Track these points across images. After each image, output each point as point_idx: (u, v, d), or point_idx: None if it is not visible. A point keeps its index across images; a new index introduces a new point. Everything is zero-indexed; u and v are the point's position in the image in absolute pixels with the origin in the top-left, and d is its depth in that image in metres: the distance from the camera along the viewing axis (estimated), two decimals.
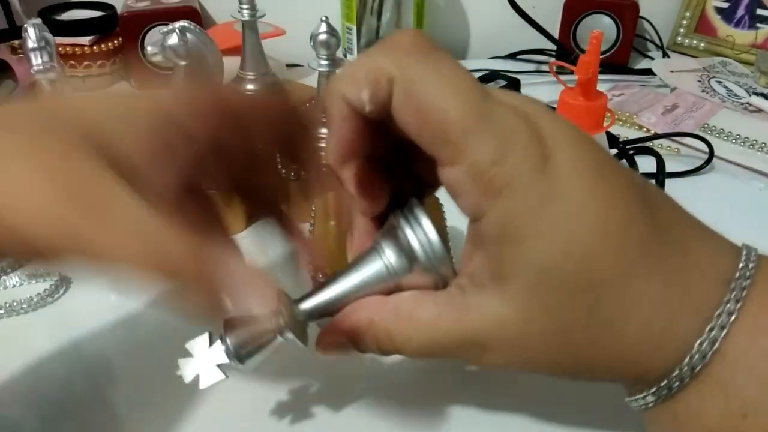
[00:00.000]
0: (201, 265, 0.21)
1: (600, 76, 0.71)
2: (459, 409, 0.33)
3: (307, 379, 0.35)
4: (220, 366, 0.25)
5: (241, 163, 0.29)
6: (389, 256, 0.26)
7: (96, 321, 0.38)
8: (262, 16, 0.54)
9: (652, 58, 0.78)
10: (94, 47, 0.67)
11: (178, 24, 0.43)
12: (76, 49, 0.66)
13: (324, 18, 0.44)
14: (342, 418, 0.32)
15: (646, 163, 0.48)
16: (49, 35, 0.44)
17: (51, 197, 0.21)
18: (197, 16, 0.65)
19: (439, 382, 0.34)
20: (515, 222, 0.22)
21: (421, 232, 0.25)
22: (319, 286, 0.27)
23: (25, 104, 0.25)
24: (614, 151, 0.50)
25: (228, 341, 0.25)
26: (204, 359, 0.25)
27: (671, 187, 0.49)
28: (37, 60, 0.43)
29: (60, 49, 0.64)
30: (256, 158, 0.29)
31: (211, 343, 0.25)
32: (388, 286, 0.26)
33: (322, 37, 0.43)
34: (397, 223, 0.26)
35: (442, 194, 0.41)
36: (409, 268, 0.26)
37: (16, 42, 0.67)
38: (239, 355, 0.25)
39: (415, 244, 0.25)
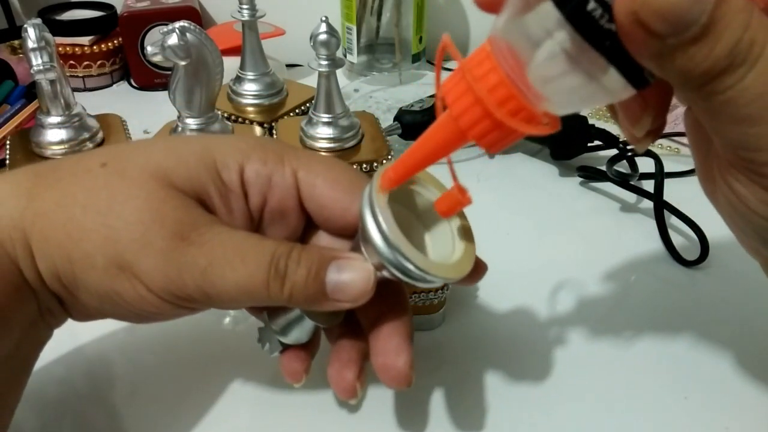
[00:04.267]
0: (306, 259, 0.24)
1: None
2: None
3: (306, 381, 0.35)
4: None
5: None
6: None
7: (96, 321, 0.38)
8: (262, 16, 0.54)
9: None
10: (94, 47, 0.67)
11: (178, 24, 0.43)
12: (76, 49, 0.66)
13: (324, 18, 0.44)
14: (342, 428, 0.32)
15: (647, 163, 0.48)
16: (49, 35, 0.43)
17: (167, 242, 0.23)
18: (197, 16, 0.65)
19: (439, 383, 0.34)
20: None
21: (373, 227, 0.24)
22: None
23: (135, 146, 0.27)
24: (614, 151, 0.50)
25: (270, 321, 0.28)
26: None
27: (671, 187, 0.49)
28: (37, 60, 0.43)
29: (60, 49, 0.64)
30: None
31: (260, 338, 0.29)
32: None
33: (322, 37, 0.43)
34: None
35: None
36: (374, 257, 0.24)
37: (16, 42, 0.67)
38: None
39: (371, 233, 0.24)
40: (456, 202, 0.24)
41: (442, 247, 0.27)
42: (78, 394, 0.33)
